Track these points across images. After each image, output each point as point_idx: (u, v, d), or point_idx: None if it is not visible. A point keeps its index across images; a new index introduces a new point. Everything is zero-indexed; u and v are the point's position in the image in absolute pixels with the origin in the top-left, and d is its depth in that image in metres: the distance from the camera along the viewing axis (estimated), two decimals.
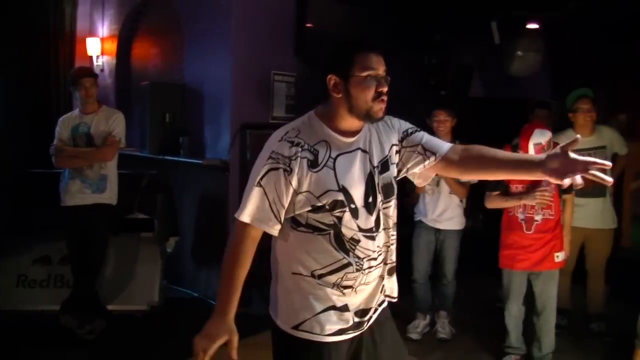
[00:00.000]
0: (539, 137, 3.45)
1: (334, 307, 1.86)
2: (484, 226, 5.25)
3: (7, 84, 5.48)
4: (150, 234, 4.72)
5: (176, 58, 5.42)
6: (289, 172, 1.77)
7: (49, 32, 5.71)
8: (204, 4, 5.02)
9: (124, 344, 4.09)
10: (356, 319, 1.90)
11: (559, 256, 3.67)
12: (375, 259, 1.89)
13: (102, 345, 4.02)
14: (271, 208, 1.79)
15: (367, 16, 5.37)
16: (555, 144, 3.36)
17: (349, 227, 1.83)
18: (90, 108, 4.14)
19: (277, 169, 1.78)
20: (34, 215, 4.46)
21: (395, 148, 1.96)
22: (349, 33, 5.03)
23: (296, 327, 1.87)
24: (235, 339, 1.79)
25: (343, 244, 1.83)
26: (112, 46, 6.11)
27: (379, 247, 1.90)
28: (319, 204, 1.80)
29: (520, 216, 3.65)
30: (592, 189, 3.81)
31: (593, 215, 4.23)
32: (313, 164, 1.80)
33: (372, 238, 1.87)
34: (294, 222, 1.86)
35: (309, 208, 1.81)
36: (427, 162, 1.96)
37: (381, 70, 1.82)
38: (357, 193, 1.83)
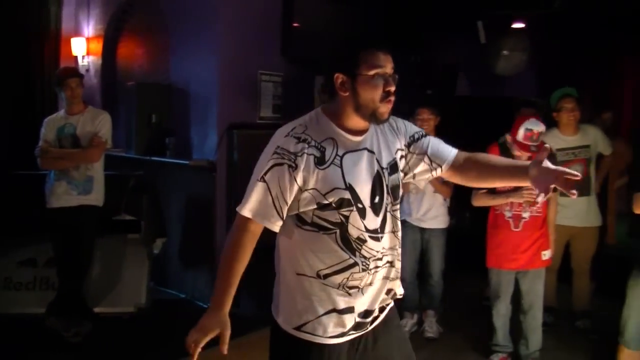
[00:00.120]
0: (532, 125, 3.46)
1: (336, 310, 1.85)
2: (471, 224, 5.27)
3: None
4: (136, 235, 4.68)
5: (162, 58, 5.39)
6: (294, 168, 1.75)
7: (34, 31, 5.66)
8: (190, 4, 5.00)
9: (111, 347, 4.05)
10: (358, 320, 1.89)
11: (546, 254, 3.70)
12: (380, 259, 1.88)
13: (89, 348, 3.99)
14: (274, 204, 1.77)
15: (353, 15, 5.37)
16: (543, 143, 3.40)
17: (356, 226, 1.81)
18: (76, 109, 4.11)
19: (281, 164, 1.75)
20: (19, 217, 4.42)
21: (400, 152, 1.96)
22: (335, 32, 5.04)
23: (298, 328, 1.87)
24: (227, 333, 1.79)
25: (349, 244, 1.82)
26: (97, 46, 6.06)
27: (385, 249, 1.88)
28: (326, 202, 1.78)
29: (508, 214, 3.67)
30: (577, 187, 3.83)
31: (578, 214, 4.26)
32: (320, 161, 1.78)
33: (378, 239, 1.86)
34: (299, 220, 1.84)
35: (315, 206, 1.79)
36: (434, 173, 1.99)
37: (389, 68, 1.80)
38: (364, 192, 1.82)
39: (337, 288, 1.84)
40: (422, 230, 4.24)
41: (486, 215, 3.83)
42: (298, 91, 5.19)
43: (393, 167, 1.91)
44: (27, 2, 5.58)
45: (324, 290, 1.84)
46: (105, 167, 4.22)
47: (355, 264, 1.83)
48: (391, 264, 1.93)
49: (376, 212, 1.85)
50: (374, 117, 1.82)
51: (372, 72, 1.77)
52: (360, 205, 1.81)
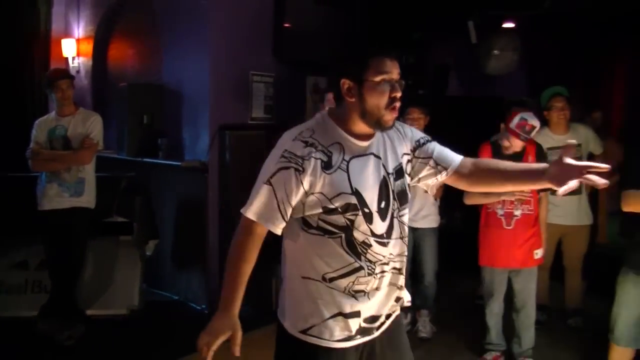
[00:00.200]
0: (528, 117, 3.50)
1: (342, 314, 1.85)
2: (462, 223, 5.29)
3: None
4: (129, 237, 4.67)
5: (154, 59, 5.38)
6: (300, 171, 1.75)
7: (23, 32, 5.63)
8: (181, 4, 4.99)
9: (104, 349, 4.04)
10: (364, 325, 1.88)
11: (538, 253, 3.71)
12: (386, 263, 1.88)
13: (82, 351, 3.97)
14: (278, 207, 1.78)
15: (345, 16, 5.38)
16: (533, 141, 3.42)
17: (362, 230, 1.81)
18: (67, 110, 4.10)
19: (288, 168, 1.75)
20: (11, 220, 4.39)
21: (406, 157, 1.96)
22: (327, 33, 5.04)
23: (304, 332, 1.86)
24: (239, 335, 1.78)
25: (354, 248, 1.82)
26: (88, 47, 6.05)
27: (392, 255, 1.89)
28: (332, 207, 1.78)
29: (500, 212, 3.68)
30: None
31: (569, 213, 4.29)
32: (327, 166, 1.78)
33: (384, 244, 1.86)
34: (304, 224, 1.84)
35: (320, 210, 1.79)
36: (439, 177, 1.99)
37: (395, 74, 1.80)
38: (370, 197, 1.82)
39: (343, 292, 1.84)
40: (414, 230, 4.25)
41: (477, 214, 3.84)
42: (290, 92, 5.19)
43: (399, 172, 1.92)
44: (17, 3, 5.55)
45: (330, 293, 1.84)
46: (97, 169, 4.20)
47: (360, 268, 1.83)
48: (399, 270, 1.93)
49: (383, 217, 1.85)
50: (378, 125, 1.82)
51: (378, 78, 1.77)
52: (367, 210, 1.81)
